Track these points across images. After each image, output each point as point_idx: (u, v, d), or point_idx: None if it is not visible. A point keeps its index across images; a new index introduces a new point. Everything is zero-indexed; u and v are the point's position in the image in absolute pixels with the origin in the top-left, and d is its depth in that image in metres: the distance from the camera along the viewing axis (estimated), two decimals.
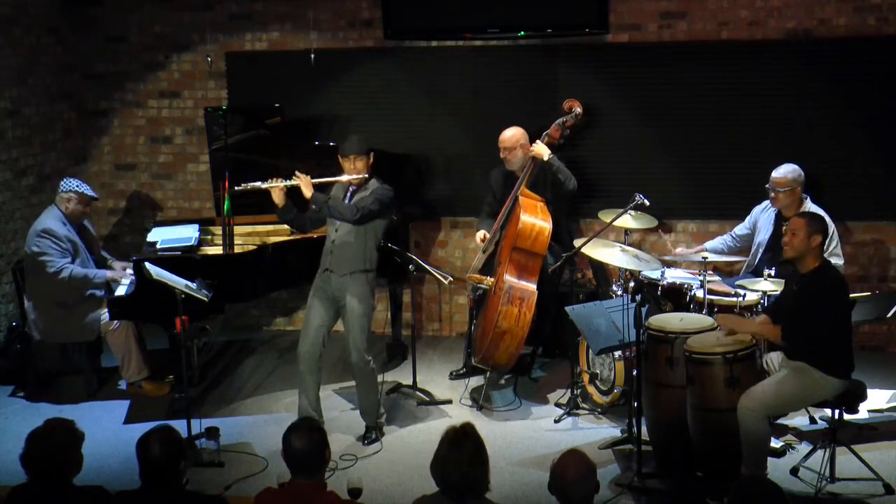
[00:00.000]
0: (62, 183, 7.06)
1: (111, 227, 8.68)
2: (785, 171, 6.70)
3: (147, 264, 6.07)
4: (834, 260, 6.16)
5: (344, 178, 6.18)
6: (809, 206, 6.65)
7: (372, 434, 6.25)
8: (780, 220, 6.72)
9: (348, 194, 6.21)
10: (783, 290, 5.70)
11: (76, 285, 6.84)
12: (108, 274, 6.98)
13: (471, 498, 3.75)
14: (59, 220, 6.91)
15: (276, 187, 6.10)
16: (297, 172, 6.13)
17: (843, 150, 7.45)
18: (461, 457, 3.72)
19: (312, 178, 6.11)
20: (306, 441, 3.98)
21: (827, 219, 5.87)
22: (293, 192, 6.14)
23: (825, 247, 5.59)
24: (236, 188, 6.29)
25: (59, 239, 6.83)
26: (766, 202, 6.89)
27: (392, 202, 6.18)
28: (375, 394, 6.29)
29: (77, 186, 7.01)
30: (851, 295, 5.64)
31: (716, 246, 7.07)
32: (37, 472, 3.98)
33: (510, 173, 7.16)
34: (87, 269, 6.94)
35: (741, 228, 7.06)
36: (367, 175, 6.16)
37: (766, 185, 6.75)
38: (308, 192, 6.07)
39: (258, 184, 6.17)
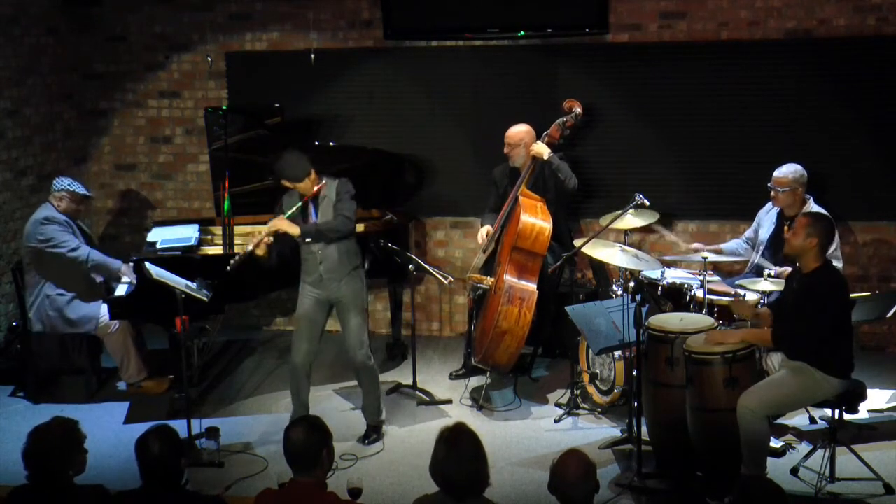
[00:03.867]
0: (54, 182, 7.03)
1: (111, 227, 8.68)
2: (786, 171, 6.69)
3: (147, 264, 6.07)
4: (833, 262, 6.13)
5: (304, 201, 6.03)
6: (812, 206, 6.64)
7: (373, 434, 6.26)
8: (781, 219, 6.72)
9: (311, 206, 6.08)
10: (784, 288, 5.70)
11: (91, 268, 6.84)
12: (124, 267, 6.94)
13: (473, 495, 3.76)
14: (56, 212, 6.91)
15: (263, 242, 5.98)
16: (268, 224, 5.99)
17: (843, 150, 7.45)
18: (461, 455, 3.73)
19: (281, 213, 6.01)
20: (302, 436, 4.00)
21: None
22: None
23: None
24: (227, 269, 6.00)
25: (61, 223, 6.84)
26: (770, 202, 6.88)
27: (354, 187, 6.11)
28: (378, 391, 6.30)
29: (69, 185, 6.97)
30: (851, 295, 5.63)
31: (731, 247, 7.06)
32: (36, 470, 3.98)
33: (515, 169, 7.17)
34: (105, 256, 6.93)
35: (749, 232, 7.04)
36: (322, 182, 6.06)
37: (768, 185, 6.75)
38: (295, 230, 5.97)
39: (248, 249, 5.98)
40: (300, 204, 6.04)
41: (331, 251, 6.07)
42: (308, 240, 6.04)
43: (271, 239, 6.01)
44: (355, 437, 6.28)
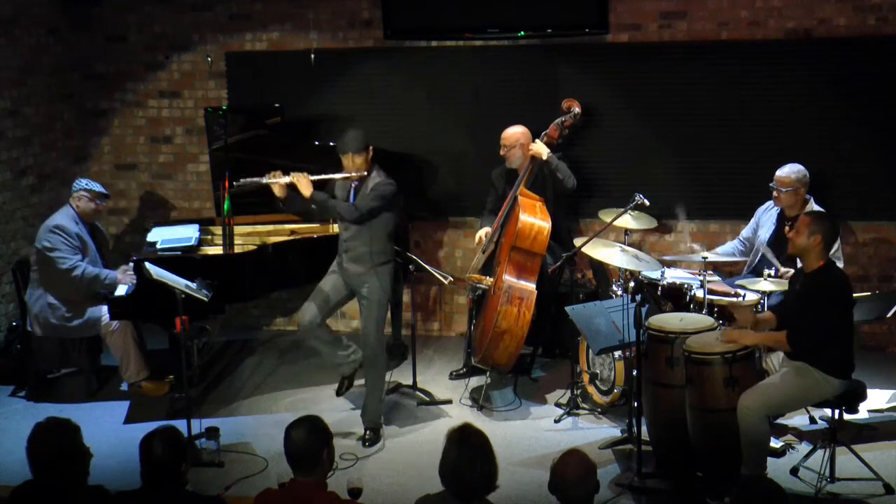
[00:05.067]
0: (74, 183, 7.14)
1: (111, 227, 8.68)
2: (789, 171, 6.69)
3: (147, 264, 6.07)
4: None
5: (340, 175, 6.19)
6: (813, 207, 6.64)
7: (370, 435, 6.23)
8: (782, 219, 6.71)
9: (351, 191, 6.21)
10: (788, 290, 5.70)
11: (87, 284, 6.86)
12: (119, 276, 6.98)
13: (479, 498, 3.76)
14: (72, 219, 6.95)
15: (276, 183, 6.14)
16: (294, 172, 6.16)
17: (843, 149, 7.45)
18: (474, 456, 3.73)
19: (312, 175, 6.13)
20: (303, 436, 4.00)
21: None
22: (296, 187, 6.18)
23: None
24: (234, 184, 6.36)
25: (70, 236, 6.86)
26: (770, 202, 6.88)
27: (394, 195, 6.19)
28: (380, 393, 6.29)
29: (86, 185, 7.07)
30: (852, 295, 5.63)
31: (726, 250, 7.05)
32: (42, 473, 3.98)
33: (512, 170, 7.17)
34: (99, 269, 6.96)
35: (746, 231, 7.04)
36: (366, 172, 6.15)
37: (770, 184, 6.75)
38: (307, 192, 6.09)
39: (257, 180, 6.22)
40: (334, 177, 6.19)
41: (356, 242, 6.18)
42: (313, 206, 6.19)
43: (285, 181, 6.12)
44: (355, 437, 6.28)
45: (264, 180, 6.18)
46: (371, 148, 6.21)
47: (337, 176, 6.21)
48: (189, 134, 8.48)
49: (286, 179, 6.14)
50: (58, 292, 6.87)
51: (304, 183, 6.10)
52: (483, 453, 3.76)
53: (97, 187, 7.11)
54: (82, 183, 7.09)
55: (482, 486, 3.75)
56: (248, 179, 6.27)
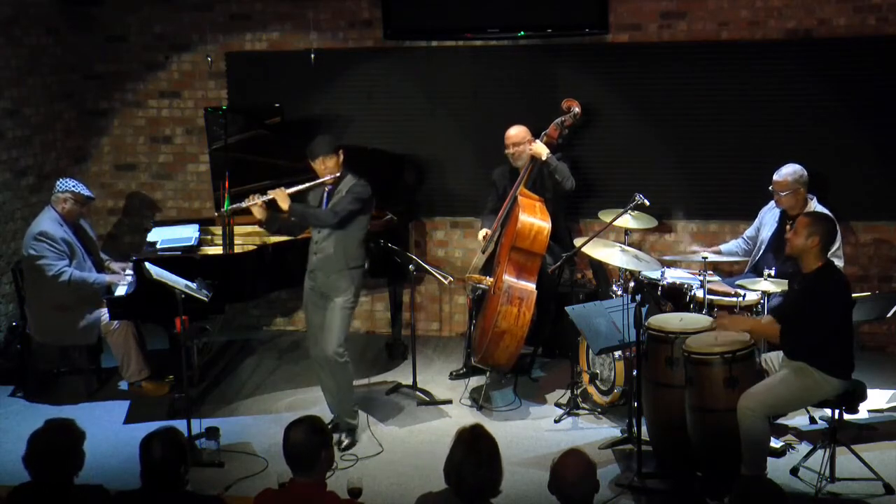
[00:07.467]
0: (58, 183, 7.01)
1: (111, 227, 8.68)
2: (785, 174, 6.68)
3: (147, 264, 6.07)
4: (835, 262, 6.12)
5: (316, 182, 6.13)
6: (815, 206, 6.64)
7: (344, 438, 6.14)
8: (784, 219, 6.72)
9: (325, 196, 6.17)
10: (787, 289, 5.69)
11: (75, 288, 6.83)
12: (108, 278, 6.96)
13: (482, 499, 3.75)
14: (56, 222, 6.88)
15: (255, 205, 6.12)
16: (270, 190, 6.15)
17: (843, 149, 7.45)
18: (479, 459, 3.72)
19: (288, 187, 6.10)
20: (302, 437, 4.00)
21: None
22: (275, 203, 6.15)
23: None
24: (216, 214, 6.51)
25: (56, 241, 6.81)
26: (773, 202, 6.87)
27: (369, 197, 6.14)
28: (348, 392, 6.23)
29: (73, 187, 6.96)
30: (852, 295, 5.63)
31: (730, 248, 7.06)
32: (39, 473, 3.98)
33: (515, 170, 7.16)
34: (87, 273, 6.92)
35: (750, 230, 7.05)
36: (339, 174, 6.12)
37: (770, 188, 6.75)
38: (285, 206, 6.05)
39: (238, 204, 6.24)
40: (310, 185, 6.15)
41: (327, 244, 6.11)
42: (293, 218, 6.15)
43: (264, 199, 6.11)
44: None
45: (244, 204, 6.16)
46: (342, 151, 6.14)
47: (311, 184, 6.15)
48: (189, 134, 8.49)
49: (265, 198, 6.11)
50: (51, 299, 6.84)
51: (281, 197, 6.05)
52: (489, 459, 3.74)
53: (83, 190, 7.01)
54: (68, 184, 6.96)
55: (484, 491, 3.74)
56: (232, 206, 6.37)
